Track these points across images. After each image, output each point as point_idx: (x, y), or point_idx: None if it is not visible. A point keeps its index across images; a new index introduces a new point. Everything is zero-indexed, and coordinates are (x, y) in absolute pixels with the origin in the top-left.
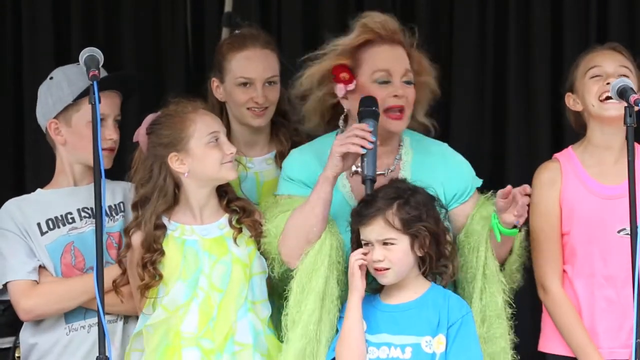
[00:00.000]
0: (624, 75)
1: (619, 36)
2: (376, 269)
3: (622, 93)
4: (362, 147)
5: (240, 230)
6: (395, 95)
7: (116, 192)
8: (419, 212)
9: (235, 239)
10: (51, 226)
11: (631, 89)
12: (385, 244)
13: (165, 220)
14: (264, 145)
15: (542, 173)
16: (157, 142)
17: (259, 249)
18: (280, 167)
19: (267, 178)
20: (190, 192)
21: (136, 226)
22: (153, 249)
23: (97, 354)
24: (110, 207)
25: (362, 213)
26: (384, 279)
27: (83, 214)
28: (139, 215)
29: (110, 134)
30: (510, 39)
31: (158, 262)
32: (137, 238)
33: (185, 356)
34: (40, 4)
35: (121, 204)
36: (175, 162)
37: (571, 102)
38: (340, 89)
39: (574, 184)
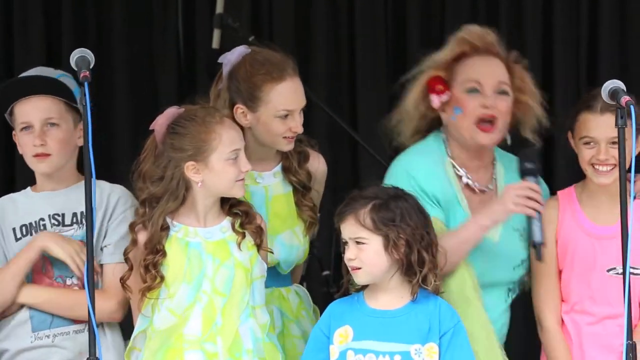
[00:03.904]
0: (615, 143)
1: (610, 33)
2: (350, 267)
3: (614, 95)
4: (535, 210)
5: (244, 236)
6: (485, 106)
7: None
8: (393, 215)
9: (239, 244)
10: (24, 232)
11: (622, 90)
12: (357, 242)
13: (168, 220)
14: (272, 160)
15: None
16: (177, 147)
17: (258, 252)
18: (288, 181)
19: (276, 192)
20: (198, 197)
21: (142, 224)
22: (156, 250)
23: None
24: (81, 212)
25: (339, 211)
26: (357, 278)
27: (53, 221)
28: (146, 212)
29: (36, 142)
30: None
31: (160, 263)
32: (142, 237)
33: (188, 359)
34: (31, 5)
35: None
36: (191, 171)
37: (571, 142)
38: (434, 100)
39: (570, 223)
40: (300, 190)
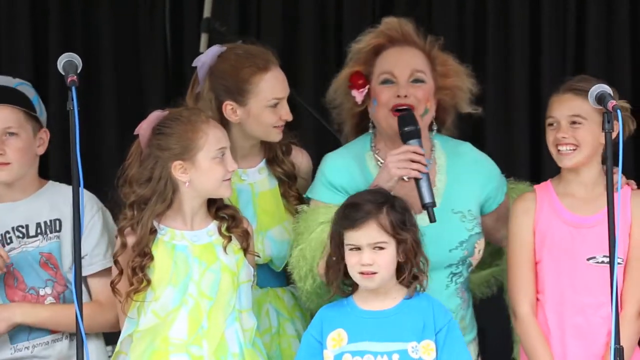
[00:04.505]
0: (576, 123)
1: (595, 32)
2: (363, 273)
3: (601, 99)
4: (420, 171)
5: (230, 239)
6: (398, 96)
7: (55, 206)
8: (404, 218)
9: (225, 248)
10: None
11: (609, 94)
12: (374, 248)
13: (154, 223)
14: (255, 155)
15: (518, 203)
16: (164, 147)
17: (245, 256)
18: (273, 173)
19: (262, 188)
20: (185, 199)
21: (130, 227)
22: (143, 253)
23: None
24: (45, 222)
25: (352, 217)
26: (371, 283)
27: (17, 233)
28: (134, 215)
29: None
30: (489, 41)
31: (147, 267)
32: (130, 240)
33: None
34: (18, 9)
35: (57, 222)
36: (178, 170)
37: None
38: (356, 95)
39: (547, 213)
40: (286, 181)
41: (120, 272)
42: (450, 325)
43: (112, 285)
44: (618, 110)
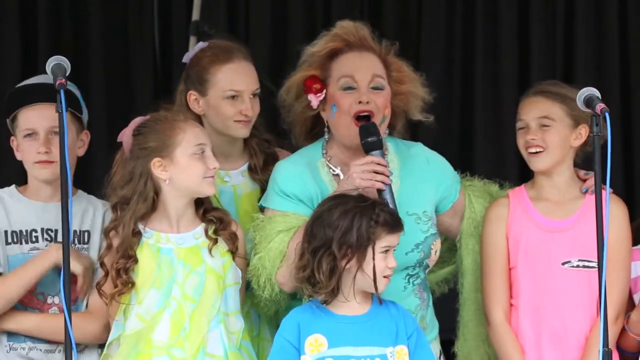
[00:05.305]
0: (545, 125)
1: (585, 31)
2: (387, 276)
3: (589, 102)
4: (383, 182)
5: (216, 241)
6: (360, 102)
7: (86, 217)
8: None
9: (210, 250)
10: (15, 239)
11: (597, 97)
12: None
13: (140, 226)
14: (238, 157)
15: (491, 209)
16: (143, 145)
17: (233, 259)
18: (254, 180)
19: (245, 190)
20: (168, 200)
21: (114, 228)
22: (127, 255)
23: None
24: (75, 232)
25: (394, 220)
26: (385, 286)
27: (46, 235)
28: (118, 217)
29: (41, 149)
30: (477, 44)
31: (131, 269)
32: (116, 242)
33: None
34: (7, 13)
35: (86, 234)
36: (157, 168)
37: None
38: (312, 100)
39: (520, 218)
40: (264, 188)
41: (106, 274)
42: (418, 330)
43: (98, 287)
44: (606, 114)
